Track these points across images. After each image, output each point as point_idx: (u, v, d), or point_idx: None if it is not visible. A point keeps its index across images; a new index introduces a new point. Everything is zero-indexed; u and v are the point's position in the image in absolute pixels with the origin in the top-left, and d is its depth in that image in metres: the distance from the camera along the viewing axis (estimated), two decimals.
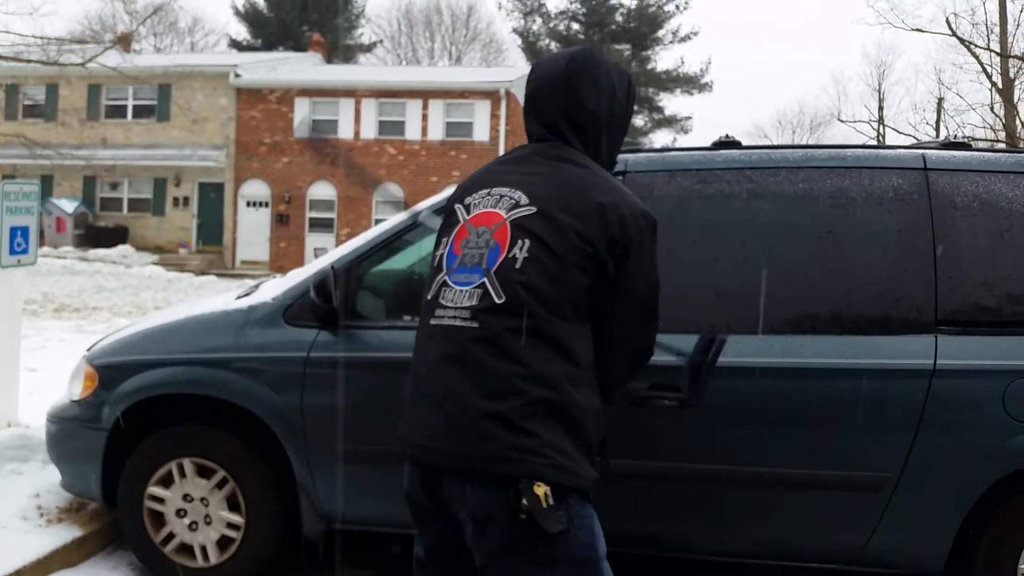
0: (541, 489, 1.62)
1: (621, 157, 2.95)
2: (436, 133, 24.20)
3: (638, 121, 44.02)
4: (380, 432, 2.92)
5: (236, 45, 42.17)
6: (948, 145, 2.91)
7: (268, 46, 39.41)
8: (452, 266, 1.80)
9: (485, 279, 1.72)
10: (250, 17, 43.04)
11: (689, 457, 2.67)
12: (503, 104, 23.63)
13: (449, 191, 3.21)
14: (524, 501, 1.61)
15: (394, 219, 3.20)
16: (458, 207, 1.89)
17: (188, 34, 44.15)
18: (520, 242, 1.72)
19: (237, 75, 24.59)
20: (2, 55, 17.34)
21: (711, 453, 2.66)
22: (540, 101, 1.92)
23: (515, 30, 45.01)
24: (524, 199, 1.77)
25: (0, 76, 22.26)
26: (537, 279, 1.70)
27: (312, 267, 3.24)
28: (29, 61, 17.53)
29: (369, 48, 45.98)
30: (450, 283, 1.77)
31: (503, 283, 1.71)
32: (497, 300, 1.70)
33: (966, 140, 3.02)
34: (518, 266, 1.71)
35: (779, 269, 2.71)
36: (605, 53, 1.95)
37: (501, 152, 23.55)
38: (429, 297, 1.84)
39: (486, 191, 1.84)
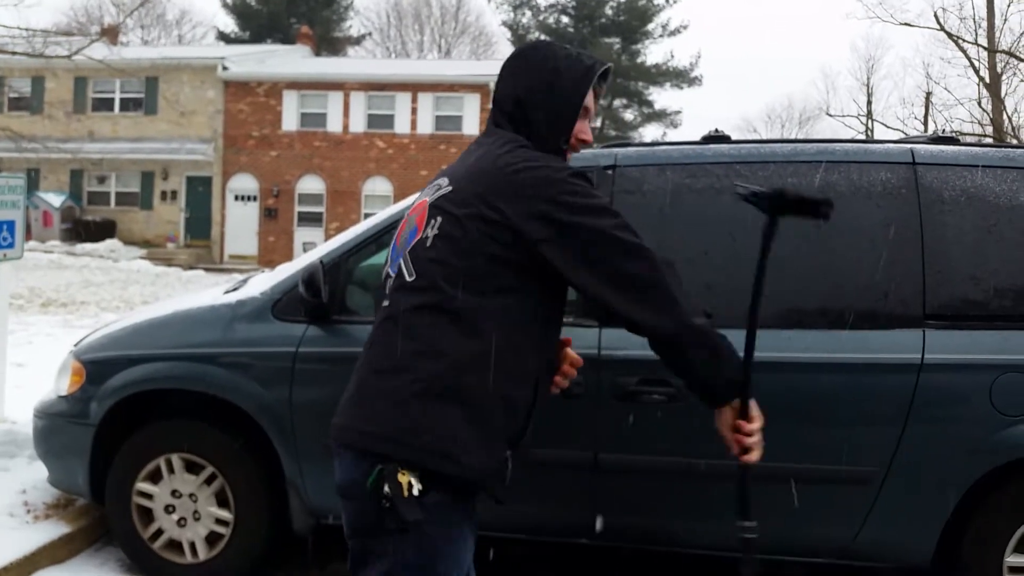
0: (405, 478, 1.57)
1: (610, 151, 2.95)
2: (425, 126, 24.15)
3: (627, 115, 44.07)
4: None
5: (224, 37, 41.92)
6: (936, 140, 2.92)
7: (256, 38, 39.22)
8: (391, 256, 1.82)
9: (401, 259, 1.74)
10: (238, 9, 42.74)
11: (678, 452, 2.67)
12: (492, 97, 23.58)
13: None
14: (386, 487, 1.56)
15: (383, 214, 3.19)
16: (425, 191, 1.92)
17: (176, 26, 43.89)
18: (432, 220, 1.72)
19: (225, 68, 24.45)
20: None
21: (700, 448, 2.67)
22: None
23: (504, 23, 44.95)
24: (445, 181, 1.78)
25: None
26: (446, 254, 1.67)
27: (301, 262, 3.23)
28: (14, 53, 17.36)
29: (358, 41, 45.81)
30: (389, 272, 1.79)
31: (415, 260, 1.70)
32: (408, 278, 1.70)
33: (954, 135, 3.03)
34: (428, 244, 1.70)
35: (767, 263, 2.71)
36: (555, 44, 1.97)
37: None
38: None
39: (432, 182, 1.86)
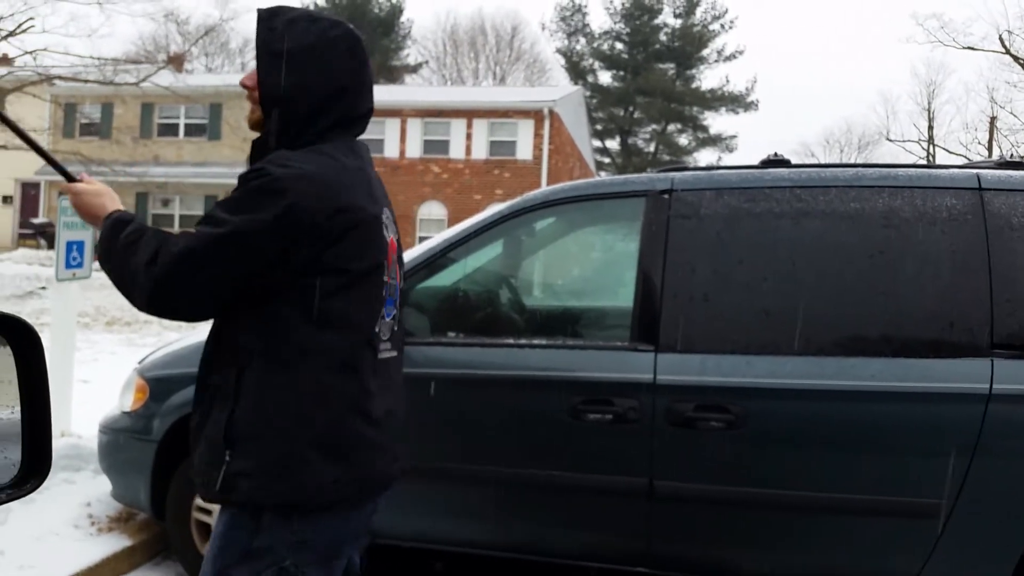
0: None
1: (666, 175, 2.93)
2: (480, 152, 24.36)
3: (682, 140, 43.88)
4: (423, 448, 2.93)
5: None
6: (1003, 165, 2.84)
7: None
8: (387, 296, 1.74)
9: (394, 303, 1.80)
10: None
11: (737, 480, 2.63)
12: (546, 123, 23.72)
13: (493, 209, 3.24)
14: None
15: (437, 237, 3.22)
16: (384, 218, 1.75)
17: (239, 54, 45.11)
18: (397, 264, 1.89)
19: None
20: (62, 75, 17.91)
21: (761, 477, 2.62)
22: None
23: (559, 50, 45.31)
24: (387, 213, 1.81)
25: (59, 95, 22.98)
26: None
27: None
28: (86, 81, 18.10)
29: (415, 69, 46.57)
30: (385, 314, 1.73)
31: (397, 306, 1.82)
32: (396, 325, 1.82)
33: (1021, 160, 2.95)
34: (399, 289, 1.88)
35: (829, 289, 2.67)
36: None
37: (544, 170, 23.72)
38: (369, 326, 1.69)
39: (384, 212, 1.77)
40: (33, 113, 19.41)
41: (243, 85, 1.71)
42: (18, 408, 0.91)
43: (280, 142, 1.64)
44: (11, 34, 17.70)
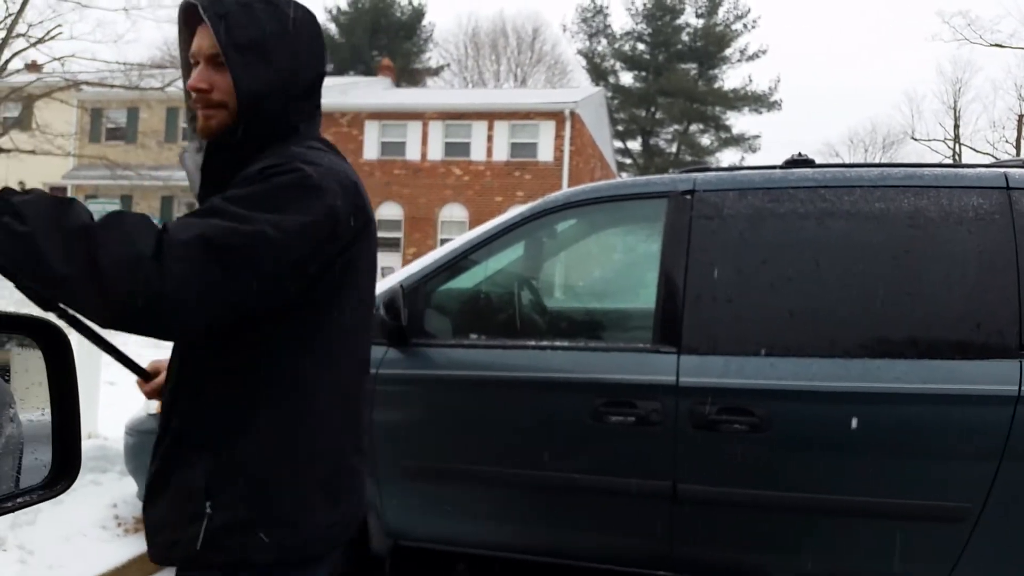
0: None
1: (688, 176, 2.92)
2: (501, 154, 24.38)
3: (704, 140, 43.65)
4: (445, 450, 2.94)
5: None
6: None
7: (339, 70, 40.33)
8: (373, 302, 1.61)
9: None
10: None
11: (762, 484, 2.61)
12: (568, 124, 23.69)
13: (514, 211, 3.24)
14: None
15: (459, 239, 3.23)
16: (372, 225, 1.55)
17: None
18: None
19: None
20: (88, 81, 18.16)
21: (785, 480, 2.60)
22: None
23: (580, 51, 45.24)
24: None
25: (86, 101, 23.28)
26: None
27: (381, 285, 3.29)
28: (113, 86, 18.33)
29: (436, 71, 46.71)
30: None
31: None
32: None
33: None
34: None
35: (854, 290, 2.64)
36: None
37: (566, 172, 23.71)
38: (367, 346, 1.59)
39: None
40: (60, 118, 19.70)
41: (196, 89, 1.41)
42: (48, 410, 0.92)
43: (261, 143, 1.42)
44: (40, 41, 18.02)
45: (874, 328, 2.62)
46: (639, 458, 2.71)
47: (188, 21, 1.47)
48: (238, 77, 1.38)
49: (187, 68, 1.47)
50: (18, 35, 17.99)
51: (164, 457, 1.40)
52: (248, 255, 1.25)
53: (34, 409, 0.71)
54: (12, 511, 0.64)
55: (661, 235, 2.86)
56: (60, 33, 17.80)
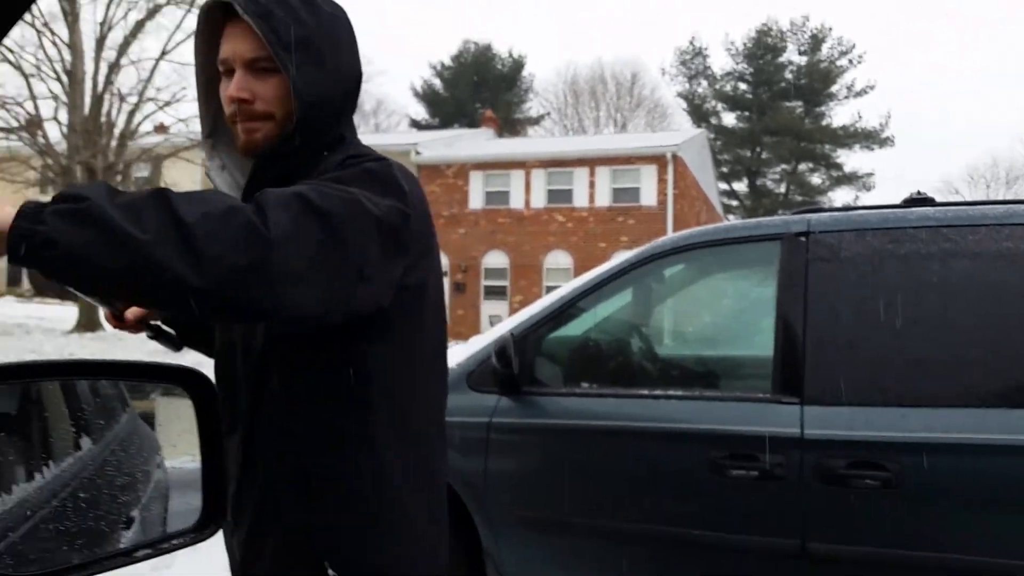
0: None
1: (802, 217, 2.85)
2: (604, 199, 24.43)
3: (814, 179, 42.56)
4: (558, 500, 2.92)
5: (416, 124, 44.86)
6: None
7: (444, 123, 41.55)
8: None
9: None
10: (428, 97, 45.67)
11: (897, 543, 2.46)
12: (670, 168, 23.56)
13: (621, 257, 3.24)
14: None
15: (567, 286, 3.24)
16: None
17: (372, 116, 47.37)
18: None
19: (418, 152, 26.03)
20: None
21: (922, 539, 2.45)
22: None
23: (680, 94, 45.20)
24: None
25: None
26: None
27: (492, 334, 3.33)
28: None
29: (537, 120, 47.48)
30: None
31: None
32: None
33: None
34: None
35: (986, 335, 2.51)
36: None
37: (670, 216, 23.52)
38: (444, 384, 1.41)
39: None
40: (187, 177, 20.93)
41: (240, 100, 1.23)
42: (189, 457, 0.97)
43: (314, 155, 1.27)
44: (167, 104, 19.33)
45: (1011, 376, 2.47)
46: (764, 514, 2.61)
47: (211, 24, 1.29)
48: (295, 80, 1.21)
49: (206, 78, 1.33)
50: (148, 99, 19.38)
51: (258, 512, 1.20)
52: (350, 220, 1.09)
53: (187, 456, 0.76)
54: (166, 552, 0.69)
55: (775, 279, 2.79)
56: (184, 95, 19.06)
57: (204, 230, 0.94)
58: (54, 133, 19.23)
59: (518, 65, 47.48)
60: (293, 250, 1.00)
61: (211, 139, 1.31)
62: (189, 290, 0.93)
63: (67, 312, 21.07)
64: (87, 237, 0.90)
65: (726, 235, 3.08)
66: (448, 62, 46.60)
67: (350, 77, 1.31)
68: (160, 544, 0.68)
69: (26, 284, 28.19)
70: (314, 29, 1.23)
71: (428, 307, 1.28)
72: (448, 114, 43.95)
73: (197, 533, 0.70)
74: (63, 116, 18.90)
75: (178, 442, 1.06)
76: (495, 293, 25.17)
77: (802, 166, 42.30)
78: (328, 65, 1.25)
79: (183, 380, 0.73)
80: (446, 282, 25.66)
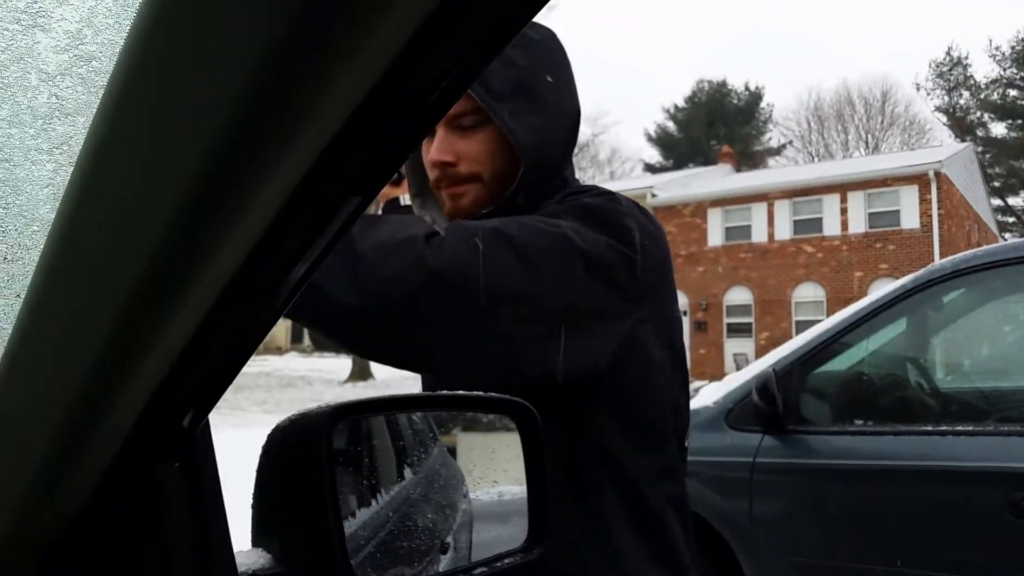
0: None
1: None
2: (858, 226, 22.92)
3: None
4: (833, 547, 2.76)
5: (649, 168, 44.95)
6: None
7: (678, 164, 41.36)
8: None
9: None
10: (662, 140, 45.73)
11: None
12: (933, 187, 21.66)
13: (883, 290, 3.03)
14: None
15: (833, 318, 3.09)
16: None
17: (607, 164, 48.13)
18: None
19: (653, 195, 26.05)
20: None
21: None
22: None
23: (938, 108, 41.65)
24: None
25: None
26: None
27: (749, 371, 3.24)
28: None
29: (778, 151, 45.85)
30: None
31: None
32: None
33: None
34: None
35: None
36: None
37: (935, 238, 21.57)
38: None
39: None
40: None
41: (444, 163, 1.08)
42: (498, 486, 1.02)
43: (537, 206, 1.08)
44: None
45: None
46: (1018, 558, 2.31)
47: None
48: (511, 128, 1.04)
49: None
50: None
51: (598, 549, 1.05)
52: (550, 253, 0.93)
53: (519, 483, 0.81)
54: (500, 572, 0.74)
55: None
56: None
57: (372, 258, 0.85)
58: None
59: (755, 97, 46.28)
60: (460, 281, 0.86)
61: (419, 198, 1.19)
62: (351, 323, 0.85)
63: (342, 364, 23.16)
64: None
65: (1016, 254, 2.80)
66: (681, 103, 46.47)
67: (570, 113, 1.12)
68: (494, 563, 0.73)
69: (307, 340, 31.37)
70: (525, 67, 1.06)
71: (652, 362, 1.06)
72: (682, 155, 43.66)
73: (525, 553, 0.75)
74: None
75: (483, 474, 1.12)
76: (739, 330, 24.32)
77: None
78: (547, 103, 1.08)
79: (510, 410, 0.78)
80: (686, 321, 25.26)
